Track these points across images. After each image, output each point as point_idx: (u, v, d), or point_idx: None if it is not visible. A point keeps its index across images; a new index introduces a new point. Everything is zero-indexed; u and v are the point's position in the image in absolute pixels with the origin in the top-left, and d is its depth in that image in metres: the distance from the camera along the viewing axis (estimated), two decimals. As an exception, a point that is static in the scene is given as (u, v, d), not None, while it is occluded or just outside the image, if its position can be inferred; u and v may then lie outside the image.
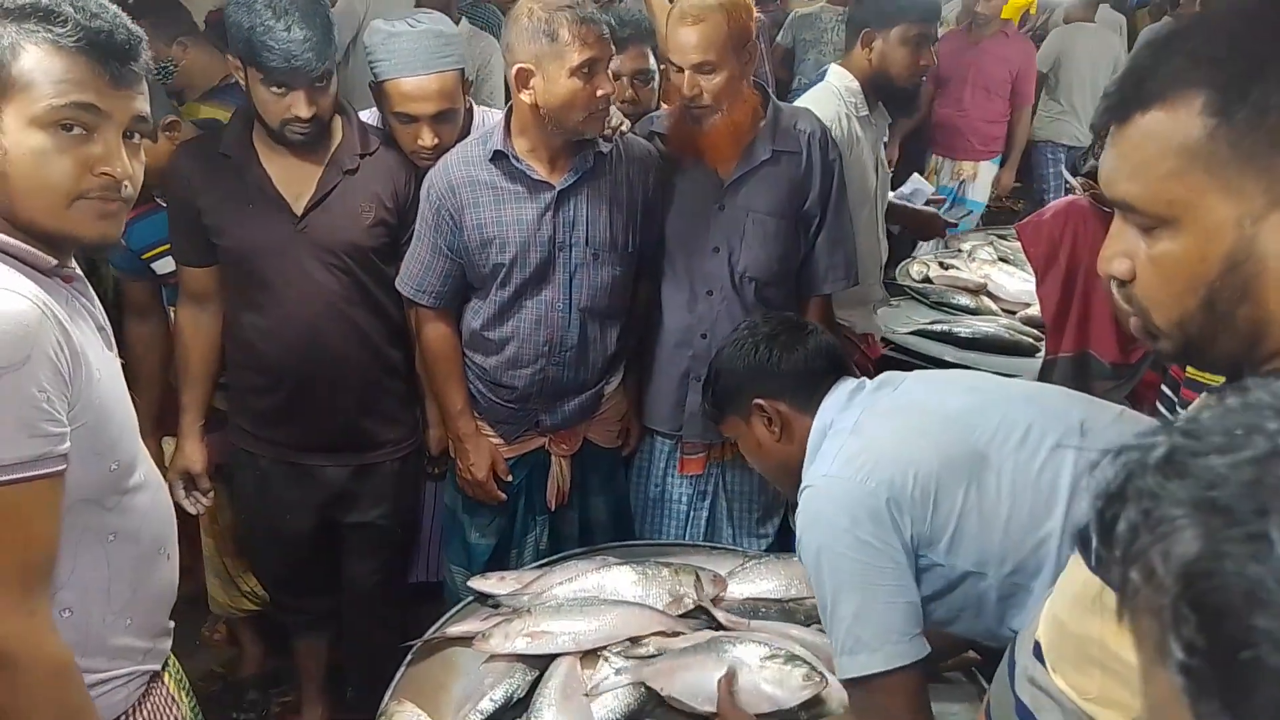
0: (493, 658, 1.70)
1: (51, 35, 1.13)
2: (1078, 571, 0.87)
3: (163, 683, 1.40)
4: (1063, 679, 0.88)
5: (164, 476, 2.25)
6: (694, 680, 1.61)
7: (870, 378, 1.63)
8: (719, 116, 2.12)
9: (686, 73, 2.07)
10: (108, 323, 1.30)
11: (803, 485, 1.47)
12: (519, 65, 1.94)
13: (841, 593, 1.34)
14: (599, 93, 1.93)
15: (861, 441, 1.42)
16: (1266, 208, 0.74)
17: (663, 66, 2.62)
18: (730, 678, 1.57)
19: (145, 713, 1.35)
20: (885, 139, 2.76)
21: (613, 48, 2.00)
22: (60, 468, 1.11)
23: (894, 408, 1.48)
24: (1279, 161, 0.73)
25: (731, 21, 2.04)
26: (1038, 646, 0.92)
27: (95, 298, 1.29)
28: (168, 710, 1.40)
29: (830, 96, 2.51)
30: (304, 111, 1.96)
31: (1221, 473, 0.42)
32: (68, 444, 1.12)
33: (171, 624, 1.42)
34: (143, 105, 1.21)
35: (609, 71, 1.97)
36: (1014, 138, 4.92)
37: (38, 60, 1.13)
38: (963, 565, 1.35)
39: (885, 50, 2.51)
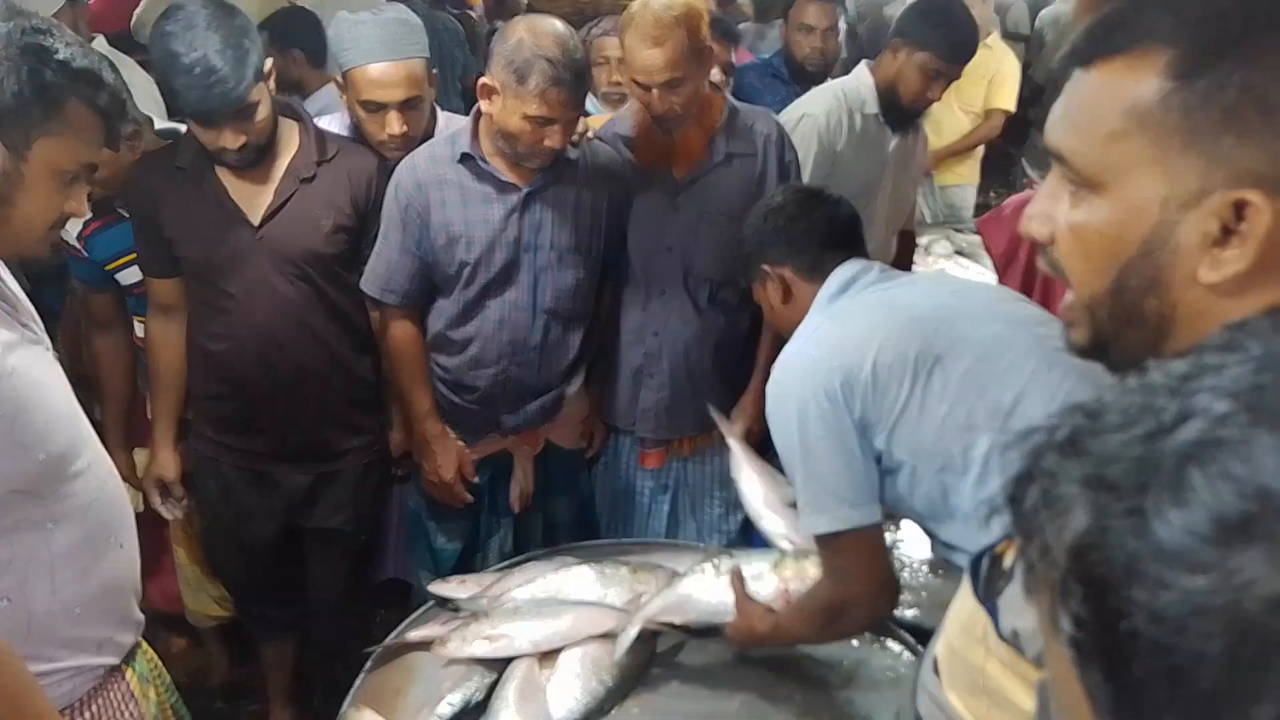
0: (451, 662, 1.71)
1: (95, 98, 1.24)
2: (966, 599, 0.88)
3: (123, 678, 1.38)
4: (956, 697, 0.89)
5: (138, 487, 2.26)
6: (705, 599, 1.70)
7: None
8: (689, 122, 2.14)
9: (655, 91, 2.06)
10: (35, 318, 1.32)
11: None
12: (485, 80, 1.97)
13: (802, 455, 1.47)
14: (546, 143, 1.95)
15: (835, 327, 1.55)
16: (1195, 196, 0.67)
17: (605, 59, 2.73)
18: (739, 577, 1.66)
19: (95, 708, 1.33)
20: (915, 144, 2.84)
21: (578, 111, 1.98)
22: None
23: (877, 302, 1.58)
24: (1222, 146, 0.65)
25: (691, 33, 2.04)
26: (935, 662, 0.93)
27: (14, 286, 1.31)
28: (123, 707, 1.37)
29: (828, 93, 2.69)
30: (231, 144, 1.96)
31: (1113, 450, 0.43)
32: None
33: (140, 618, 1.40)
34: None
35: (564, 128, 1.96)
36: None
37: (80, 115, 1.23)
38: (898, 454, 1.46)
39: (902, 67, 2.60)
